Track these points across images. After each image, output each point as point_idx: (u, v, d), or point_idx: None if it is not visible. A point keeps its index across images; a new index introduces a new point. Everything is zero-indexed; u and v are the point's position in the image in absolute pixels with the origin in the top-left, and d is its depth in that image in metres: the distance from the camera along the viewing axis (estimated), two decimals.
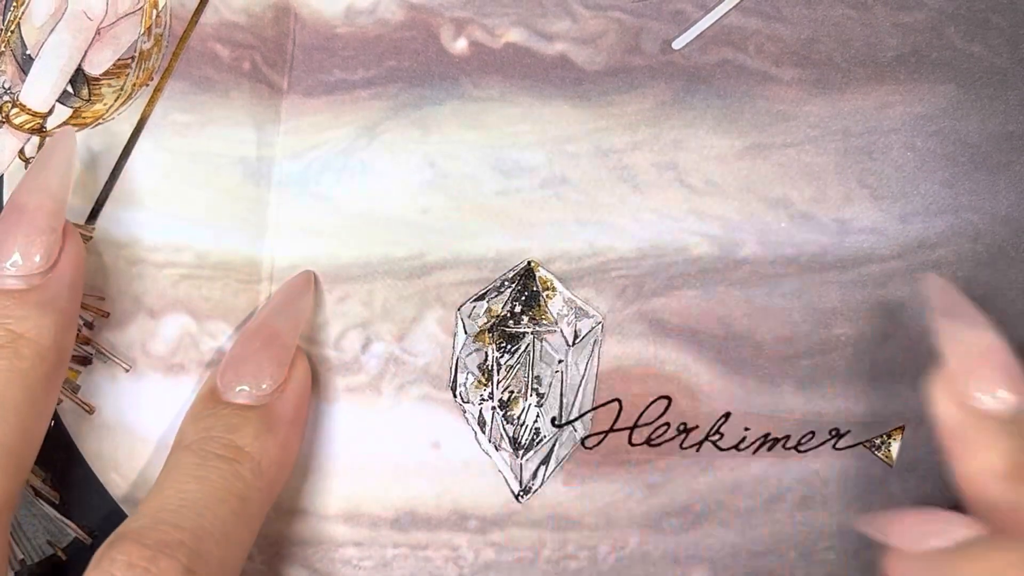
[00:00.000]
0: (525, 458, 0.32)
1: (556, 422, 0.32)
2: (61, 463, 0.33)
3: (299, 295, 0.31)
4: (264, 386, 0.29)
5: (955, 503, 0.32)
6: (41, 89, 0.32)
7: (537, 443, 0.32)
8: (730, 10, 0.33)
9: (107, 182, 0.33)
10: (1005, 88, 0.33)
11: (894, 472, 0.32)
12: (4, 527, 0.27)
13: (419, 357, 0.32)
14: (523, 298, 0.32)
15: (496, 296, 0.32)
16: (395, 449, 0.32)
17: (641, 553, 0.32)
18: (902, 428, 0.32)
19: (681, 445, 0.32)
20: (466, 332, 0.32)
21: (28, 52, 0.32)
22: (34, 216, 0.28)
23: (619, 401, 0.32)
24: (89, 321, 0.32)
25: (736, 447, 0.32)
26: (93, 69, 0.33)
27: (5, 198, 0.32)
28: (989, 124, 0.33)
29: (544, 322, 0.32)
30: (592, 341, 0.32)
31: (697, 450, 0.32)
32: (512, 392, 0.32)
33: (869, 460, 0.32)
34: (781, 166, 0.33)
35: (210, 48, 0.32)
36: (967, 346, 0.28)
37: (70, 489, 0.33)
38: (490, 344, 0.32)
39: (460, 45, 0.33)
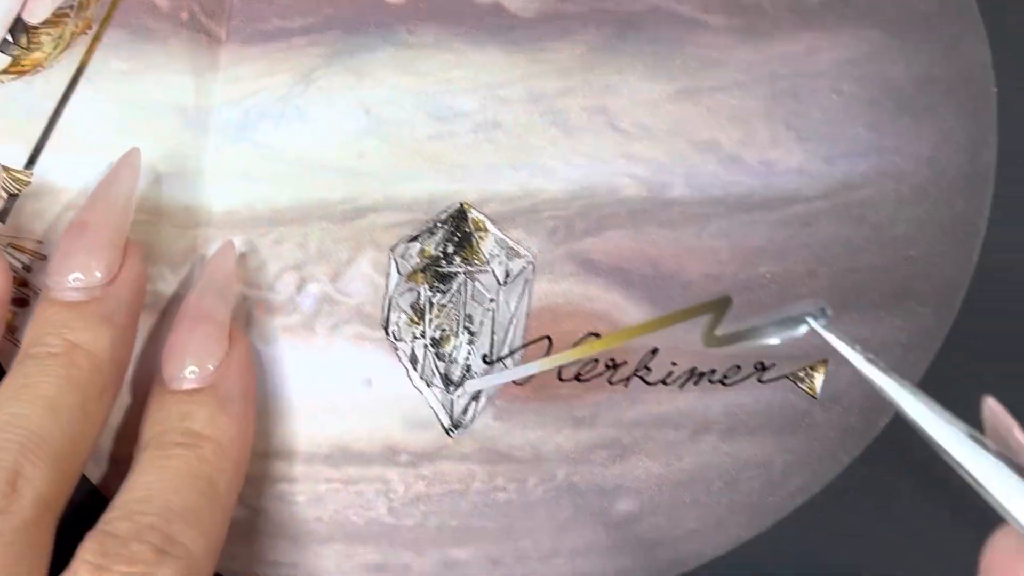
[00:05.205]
0: (456, 394, 0.32)
1: (487, 359, 0.32)
2: None
3: (224, 272, 0.31)
4: (209, 366, 0.29)
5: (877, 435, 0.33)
6: None
7: (468, 379, 0.32)
8: None
9: (45, 128, 0.33)
10: (930, 33, 0.34)
11: (817, 403, 0.33)
12: (49, 529, 0.26)
13: (352, 297, 0.32)
14: (456, 239, 0.33)
15: (429, 237, 0.33)
16: (329, 387, 0.32)
17: (569, 485, 0.32)
18: (825, 361, 0.32)
19: (609, 380, 0.32)
20: (399, 272, 0.32)
21: None
22: (96, 232, 0.29)
23: (549, 338, 0.32)
24: (27, 264, 0.33)
25: (663, 381, 0.32)
26: (32, 18, 0.33)
27: None
28: (914, 68, 0.34)
29: (476, 262, 0.32)
30: (523, 280, 0.32)
31: (625, 385, 0.32)
32: (444, 330, 0.32)
33: (793, 392, 0.32)
34: (710, 110, 0.33)
35: None
36: None
37: None
38: (423, 284, 0.32)
39: None
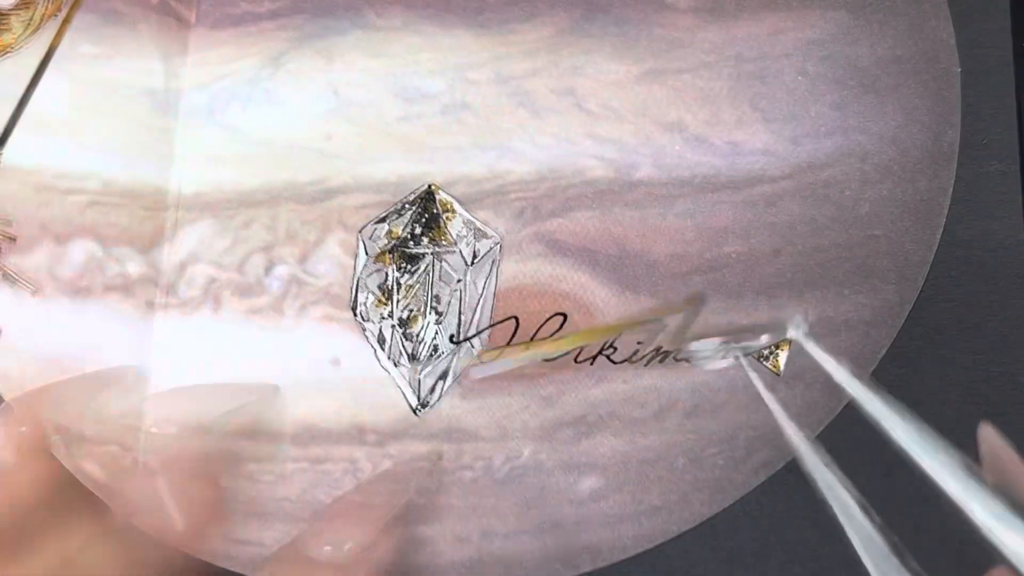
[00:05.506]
0: (423, 373, 0.32)
1: (454, 339, 0.32)
2: None
3: None
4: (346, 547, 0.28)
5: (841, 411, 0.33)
6: None
7: (435, 359, 0.32)
8: None
9: (15, 111, 0.33)
10: (894, 14, 0.34)
11: (781, 380, 0.33)
12: None
13: (321, 278, 0.33)
14: (423, 220, 0.33)
15: (397, 218, 0.33)
16: (296, 367, 0.32)
17: (535, 463, 0.32)
18: (789, 340, 0.33)
19: (576, 359, 0.32)
20: (367, 253, 0.33)
21: None
22: None
23: (516, 318, 0.32)
24: None
25: (629, 360, 0.32)
26: (2, 1, 0.33)
27: None
28: (878, 49, 0.34)
29: (444, 243, 0.33)
30: (491, 261, 0.33)
31: (591, 363, 0.32)
32: (412, 310, 0.32)
33: (757, 370, 0.33)
34: (676, 91, 0.34)
35: None
36: None
37: None
38: (391, 265, 0.33)
39: None
